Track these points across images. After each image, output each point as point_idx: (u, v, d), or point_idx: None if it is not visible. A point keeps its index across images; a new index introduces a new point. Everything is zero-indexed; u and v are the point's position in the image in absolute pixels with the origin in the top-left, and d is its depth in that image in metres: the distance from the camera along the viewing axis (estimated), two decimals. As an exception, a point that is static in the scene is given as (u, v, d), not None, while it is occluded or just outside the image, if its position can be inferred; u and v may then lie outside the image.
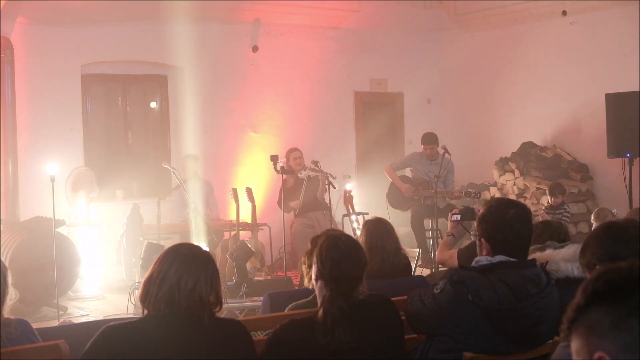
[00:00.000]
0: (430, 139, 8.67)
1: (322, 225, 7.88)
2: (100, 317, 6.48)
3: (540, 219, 5.42)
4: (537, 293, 2.79)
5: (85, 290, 7.98)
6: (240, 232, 7.81)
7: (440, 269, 6.96)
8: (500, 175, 9.54)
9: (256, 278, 6.91)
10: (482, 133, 10.34)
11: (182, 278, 2.48)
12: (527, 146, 9.48)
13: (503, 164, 9.56)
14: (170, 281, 2.48)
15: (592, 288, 1.30)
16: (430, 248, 8.33)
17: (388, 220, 4.43)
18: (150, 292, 2.50)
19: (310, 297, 3.22)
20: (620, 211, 7.30)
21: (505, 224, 2.86)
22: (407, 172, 9.12)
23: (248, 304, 6.16)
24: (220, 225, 8.16)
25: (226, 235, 8.17)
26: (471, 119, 10.50)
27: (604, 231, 2.62)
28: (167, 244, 6.73)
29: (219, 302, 2.57)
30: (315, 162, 8.28)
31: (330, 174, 8.07)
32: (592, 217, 6.55)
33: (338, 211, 8.80)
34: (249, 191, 7.72)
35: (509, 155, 9.56)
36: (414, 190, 8.63)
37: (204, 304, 2.49)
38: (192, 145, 9.06)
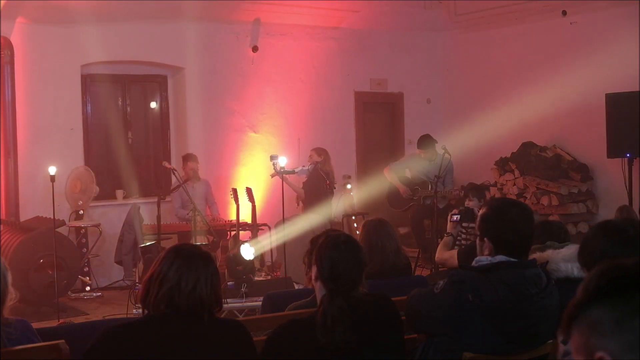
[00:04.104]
0: (424, 143, 8.65)
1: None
2: (100, 317, 6.48)
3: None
4: (537, 293, 2.79)
5: (85, 290, 7.99)
6: (241, 232, 7.80)
7: (440, 269, 6.96)
8: (500, 175, 9.54)
9: (256, 278, 6.90)
10: (482, 133, 10.33)
11: (182, 278, 2.48)
12: (527, 146, 9.48)
13: (503, 164, 9.56)
14: (171, 281, 2.48)
15: (595, 285, 1.27)
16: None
17: (388, 220, 4.43)
18: (150, 292, 2.50)
19: (310, 297, 3.22)
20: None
21: (509, 223, 2.85)
22: (407, 172, 9.11)
23: (248, 304, 6.16)
24: (220, 225, 8.16)
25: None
26: (471, 119, 10.49)
27: (602, 231, 2.60)
28: (167, 244, 6.75)
29: (219, 303, 2.58)
30: (317, 163, 8.31)
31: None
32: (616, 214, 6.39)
33: (338, 211, 8.80)
34: (249, 191, 7.71)
35: (509, 155, 9.56)
36: (412, 191, 8.63)
37: (204, 304, 2.50)
38: (192, 145, 9.06)
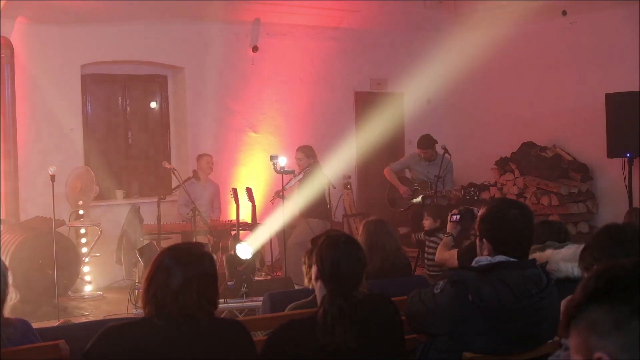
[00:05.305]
0: (424, 143, 8.62)
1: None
2: (100, 317, 6.48)
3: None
4: (537, 293, 2.79)
5: (85, 290, 7.99)
6: (241, 232, 7.79)
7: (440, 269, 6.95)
8: (500, 175, 9.54)
9: (256, 278, 6.89)
10: (482, 133, 10.34)
11: (170, 279, 2.46)
12: (527, 146, 9.48)
13: (503, 164, 9.56)
14: (167, 282, 2.46)
15: (594, 286, 1.26)
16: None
17: (388, 220, 4.44)
18: (149, 292, 2.49)
19: (310, 297, 3.22)
20: (620, 211, 7.29)
21: (507, 224, 2.85)
22: (407, 172, 9.11)
23: (248, 304, 6.16)
24: (220, 225, 8.16)
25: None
26: (471, 119, 10.50)
27: (602, 233, 2.62)
28: (167, 244, 6.73)
29: (212, 303, 2.53)
30: (310, 166, 8.19)
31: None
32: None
33: (338, 211, 8.79)
34: (248, 191, 7.71)
35: (509, 155, 9.56)
36: (412, 191, 8.63)
37: (201, 304, 2.48)
38: (192, 145, 9.07)
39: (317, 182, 8.07)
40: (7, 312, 2.73)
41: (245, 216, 7.95)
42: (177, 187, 7.83)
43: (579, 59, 9.12)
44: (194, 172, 8.35)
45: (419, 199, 8.54)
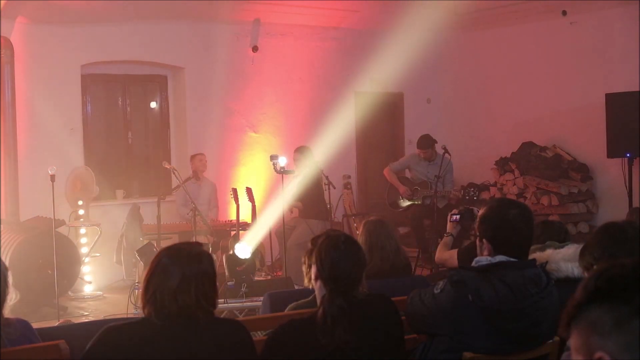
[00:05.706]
0: (424, 143, 8.63)
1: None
2: (100, 317, 6.48)
3: None
4: (537, 293, 2.79)
5: (85, 290, 7.99)
6: (241, 232, 7.79)
7: (440, 269, 6.96)
8: (500, 175, 9.54)
9: (256, 278, 6.89)
10: (482, 133, 10.34)
11: (176, 278, 2.45)
12: (527, 146, 9.48)
13: (503, 164, 9.56)
14: (165, 281, 2.46)
15: (594, 285, 1.26)
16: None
17: (388, 220, 4.43)
18: (148, 292, 2.49)
19: (310, 297, 3.22)
20: (620, 211, 7.29)
21: (507, 224, 2.85)
22: (407, 172, 9.12)
23: (248, 304, 6.16)
24: (220, 225, 8.16)
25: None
26: (471, 119, 10.50)
27: (602, 232, 2.63)
28: (167, 244, 6.73)
29: (210, 303, 2.53)
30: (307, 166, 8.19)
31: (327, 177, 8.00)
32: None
33: (338, 211, 8.78)
34: (249, 191, 7.70)
35: (509, 155, 9.56)
36: (412, 192, 8.63)
37: (200, 303, 2.47)
38: (192, 145, 9.07)
39: (315, 182, 8.07)
40: (7, 312, 2.72)
41: (245, 216, 7.95)
42: (177, 187, 7.84)
43: (579, 59, 9.11)
44: (194, 172, 8.35)
45: (419, 200, 8.56)
